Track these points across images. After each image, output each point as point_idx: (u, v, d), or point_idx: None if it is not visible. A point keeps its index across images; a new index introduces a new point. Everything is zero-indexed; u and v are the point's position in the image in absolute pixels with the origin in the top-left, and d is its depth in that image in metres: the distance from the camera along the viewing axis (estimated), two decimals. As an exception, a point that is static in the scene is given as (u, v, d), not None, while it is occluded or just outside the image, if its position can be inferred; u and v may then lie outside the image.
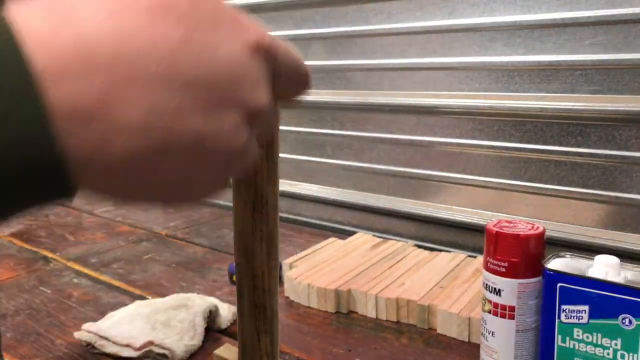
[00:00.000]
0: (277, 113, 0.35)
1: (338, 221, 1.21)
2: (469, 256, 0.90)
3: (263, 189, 0.37)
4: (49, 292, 0.89)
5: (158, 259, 1.03)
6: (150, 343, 0.67)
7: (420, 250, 0.95)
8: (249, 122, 0.25)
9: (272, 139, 0.37)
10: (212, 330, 0.74)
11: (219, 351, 0.70)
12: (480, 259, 0.85)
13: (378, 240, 1.00)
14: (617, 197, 0.86)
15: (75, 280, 0.94)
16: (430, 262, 0.89)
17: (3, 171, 0.19)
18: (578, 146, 0.88)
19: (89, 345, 0.70)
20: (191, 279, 0.93)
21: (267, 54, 0.26)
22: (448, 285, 0.80)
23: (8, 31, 0.19)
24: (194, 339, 0.69)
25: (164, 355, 0.66)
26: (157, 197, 0.25)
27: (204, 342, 0.71)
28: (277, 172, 0.38)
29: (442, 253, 0.93)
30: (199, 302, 0.76)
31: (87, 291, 0.88)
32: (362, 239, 1.02)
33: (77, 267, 0.99)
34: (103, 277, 0.94)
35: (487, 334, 0.59)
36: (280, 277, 0.88)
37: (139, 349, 0.67)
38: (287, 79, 0.28)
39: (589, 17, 0.83)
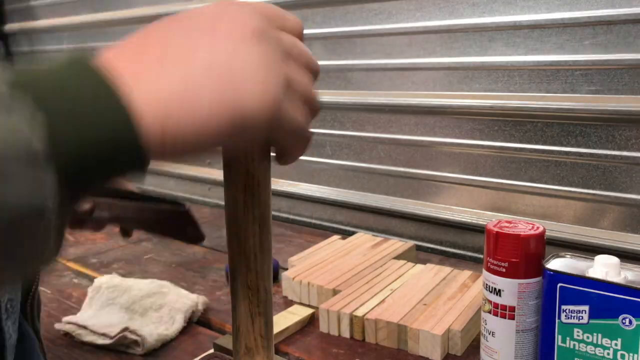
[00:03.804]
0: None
1: (338, 221, 1.21)
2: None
3: (254, 169, 0.37)
4: (49, 292, 0.89)
5: (158, 259, 1.03)
6: (125, 329, 0.71)
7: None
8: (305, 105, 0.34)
9: None
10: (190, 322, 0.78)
11: (220, 341, 0.70)
12: (466, 272, 0.85)
13: (378, 239, 1.00)
14: (617, 197, 0.86)
15: (75, 281, 0.94)
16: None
17: (104, 143, 0.25)
18: (578, 146, 0.88)
19: (67, 335, 0.74)
20: (191, 279, 0.93)
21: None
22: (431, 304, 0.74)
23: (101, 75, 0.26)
24: (169, 330, 0.73)
25: (135, 342, 0.70)
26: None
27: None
28: (269, 151, 0.38)
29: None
30: (174, 291, 0.80)
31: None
32: (362, 238, 1.02)
33: (77, 267, 0.99)
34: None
35: (487, 334, 0.60)
36: (276, 276, 0.88)
37: (114, 337, 0.70)
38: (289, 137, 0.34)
39: (589, 17, 0.83)
